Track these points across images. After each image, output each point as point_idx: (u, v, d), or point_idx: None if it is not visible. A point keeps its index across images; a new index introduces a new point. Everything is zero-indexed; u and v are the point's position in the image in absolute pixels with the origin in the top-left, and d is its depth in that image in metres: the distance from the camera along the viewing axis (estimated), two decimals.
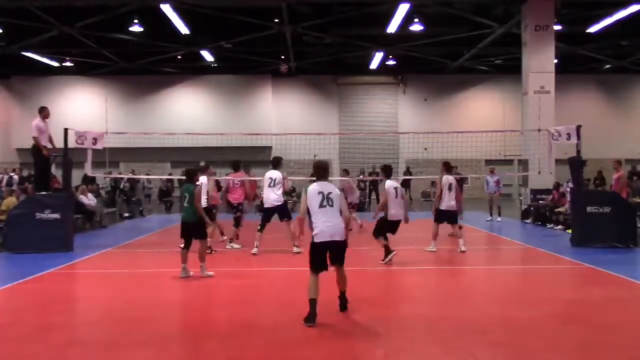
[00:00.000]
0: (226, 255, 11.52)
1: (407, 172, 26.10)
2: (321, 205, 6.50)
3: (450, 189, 11.52)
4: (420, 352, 5.59)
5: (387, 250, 9.98)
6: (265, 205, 11.50)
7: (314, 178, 6.85)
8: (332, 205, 6.51)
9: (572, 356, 5.53)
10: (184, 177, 9.79)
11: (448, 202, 11.53)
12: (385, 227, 10.13)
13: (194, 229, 9.01)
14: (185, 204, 8.99)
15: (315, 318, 6.26)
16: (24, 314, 7.07)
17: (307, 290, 6.39)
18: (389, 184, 10.16)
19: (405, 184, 27.52)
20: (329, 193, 6.55)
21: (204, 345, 5.84)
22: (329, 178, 7.00)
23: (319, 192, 6.55)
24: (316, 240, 6.51)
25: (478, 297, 8.16)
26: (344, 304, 6.82)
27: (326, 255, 6.57)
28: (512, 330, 6.22)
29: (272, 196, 11.33)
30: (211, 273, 9.03)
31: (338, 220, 6.52)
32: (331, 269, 6.66)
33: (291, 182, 13.73)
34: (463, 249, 11.41)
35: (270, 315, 7.01)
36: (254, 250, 11.31)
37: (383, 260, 9.96)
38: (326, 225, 6.45)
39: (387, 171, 10.48)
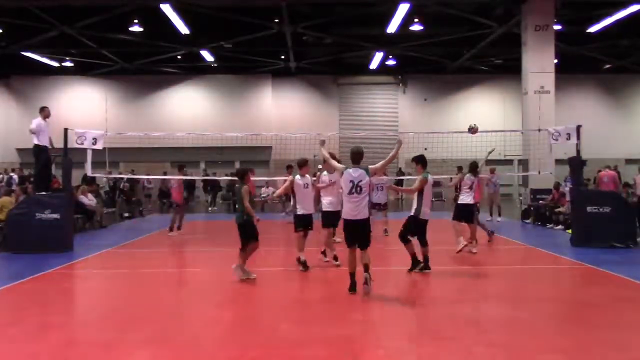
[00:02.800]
0: (226, 254, 11.49)
1: (400, 172, 26.04)
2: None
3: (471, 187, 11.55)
4: (420, 351, 5.58)
5: (415, 260, 9.22)
6: (328, 209, 10.07)
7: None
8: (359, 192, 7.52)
9: (572, 356, 5.52)
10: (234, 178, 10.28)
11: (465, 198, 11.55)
12: (414, 228, 9.21)
13: (242, 229, 8.80)
14: (237, 205, 9.30)
15: (354, 287, 7.53)
16: (24, 314, 7.06)
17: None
18: (430, 177, 9.31)
19: (399, 184, 27.55)
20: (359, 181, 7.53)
21: (204, 345, 5.83)
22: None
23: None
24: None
25: (478, 297, 8.16)
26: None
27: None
28: (512, 330, 6.22)
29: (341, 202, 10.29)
30: (254, 276, 8.71)
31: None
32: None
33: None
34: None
35: (270, 315, 7.00)
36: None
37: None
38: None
39: (423, 161, 9.44)
